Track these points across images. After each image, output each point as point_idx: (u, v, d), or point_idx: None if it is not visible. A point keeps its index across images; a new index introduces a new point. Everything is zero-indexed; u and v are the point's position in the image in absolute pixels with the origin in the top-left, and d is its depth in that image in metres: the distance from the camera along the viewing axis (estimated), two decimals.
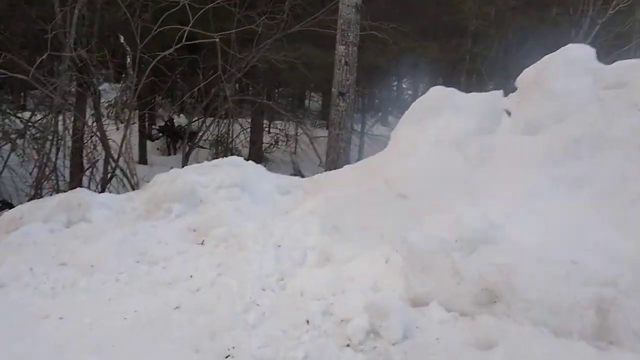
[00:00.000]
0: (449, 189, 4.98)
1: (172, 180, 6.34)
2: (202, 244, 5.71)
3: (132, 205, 6.43)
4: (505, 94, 5.60)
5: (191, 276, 5.18)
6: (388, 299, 4.29)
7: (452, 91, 5.70)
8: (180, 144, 12.97)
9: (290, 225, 5.62)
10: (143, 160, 13.26)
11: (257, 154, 13.25)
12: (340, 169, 6.23)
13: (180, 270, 5.27)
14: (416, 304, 4.32)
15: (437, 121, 5.50)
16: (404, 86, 22.02)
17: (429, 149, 5.32)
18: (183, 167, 10.68)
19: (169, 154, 14.35)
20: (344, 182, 5.75)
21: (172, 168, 13.28)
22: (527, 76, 5.31)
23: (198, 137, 11.48)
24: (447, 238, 4.45)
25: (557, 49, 5.21)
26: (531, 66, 5.34)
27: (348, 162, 9.84)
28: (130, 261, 5.45)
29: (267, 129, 14.10)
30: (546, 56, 5.20)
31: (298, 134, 12.82)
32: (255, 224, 5.80)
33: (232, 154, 12.71)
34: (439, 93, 5.69)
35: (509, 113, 5.42)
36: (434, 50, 12.12)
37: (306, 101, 20.04)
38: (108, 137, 8.40)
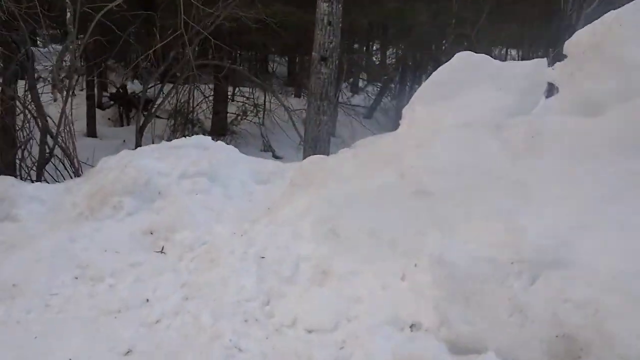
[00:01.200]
0: (488, 186, 3.81)
1: (122, 167, 5.00)
2: (161, 252, 4.44)
3: (72, 199, 5.07)
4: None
5: (147, 300, 3.93)
6: (426, 345, 3.14)
7: (484, 58, 4.49)
8: (134, 113, 11.45)
9: (276, 230, 4.39)
10: (92, 132, 11.71)
11: (221, 126, 11.85)
12: (336, 155, 4.99)
13: (133, 291, 4.00)
14: (461, 350, 3.19)
15: (466, 97, 4.29)
16: (373, 49, 20.52)
17: (458, 134, 4.12)
18: (137, 143, 9.28)
19: (122, 125, 12.79)
20: (344, 172, 4.53)
21: (124, 142, 11.85)
22: (583, 40, 4.11)
23: (154, 106, 10.02)
24: (498, 258, 3.30)
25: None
26: (588, 27, 4.15)
27: (329, 140, 8.61)
28: (66, 278, 4.16)
29: (231, 97, 12.66)
30: (611, 13, 4.02)
31: (270, 104, 11.42)
32: (231, 226, 4.55)
33: (192, 126, 11.29)
34: (467, 60, 4.46)
35: (556, 88, 4.24)
36: (423, 13, 10.87)
37: (270, 65, 18.41)
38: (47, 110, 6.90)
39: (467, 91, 4.34)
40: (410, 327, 3.47)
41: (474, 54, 4.50)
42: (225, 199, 5.01)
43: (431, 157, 4.05)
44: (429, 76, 4.90)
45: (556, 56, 6.38)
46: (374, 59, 19.31)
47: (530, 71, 4.35)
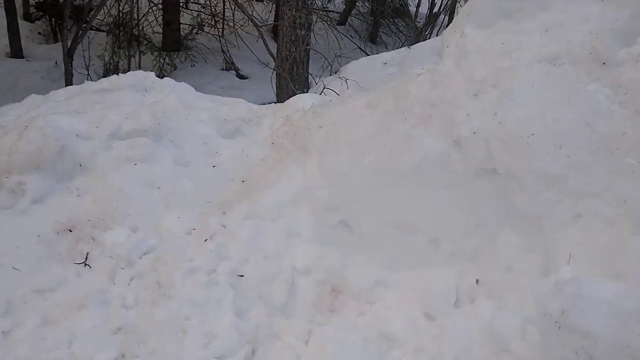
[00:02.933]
0: (598, 164, 2.35)
1: (21, 127, 3.33)
2: (85, 263, 2.91)
3: None
4: None
5: None
6: None
7: None
8: (72, 25, 9.41)
9: (259, 227, 2.89)
10: (17, 52, 9.65)
11: (173, 40, 9.91)
12: (341, 102, 3.40)
13: (37, 346, 2.51)
14: None
15: (550, 14, 2.73)
16: None
17: (543, 76, 2.59)
18: (66, 69, 7.43)
19: (55, 41, 10.68)
20: (357, 134, 3.00)
21: (56, 64, 9.82)
22: None
23: (89, 17, 8.09)
24: None
25: None
26: None
27: (308, 61, 6.93)
28: None
29: (184, 4, 10.62)
30: None
31: (232, 13, 9.47)
32: (188, 219, 3.03)
33: (139, 43, 9.36)
34: None
35: None
36: None
37: None
38: None
39: (552, 3, 2.76)
40: None
41: None
42: (179, 168, 3.44)
43: (507, 115, 2.53)
44: None
45: None
46: None
47: None
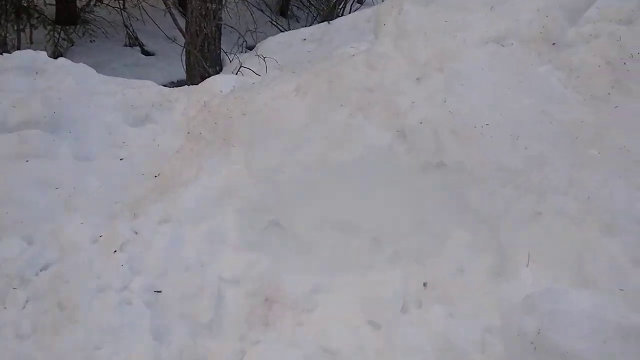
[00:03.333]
0: (557, 156, 2.16)
1: None
2: None
3: None
4: None
5: None
6: None
7: None
8: None
9: (177, 233, 2.51)
10: None
11: (69, 13, 9.06)
12: (266, 85, 3.02)
13: None
14: None
15: None
16: None
17: (492, 56, 2.36)
18: None
19: None
20: (288, 122, 2.67)
21: None
22: None
23: None
24: None
25: None
26: None
27: (220, 37, 6.46)
28: None
29: None
30: None
31: None
32: (93, 224, 2.60)
33: (29, 16, 8.45)
34: None
35: None
36: None
37: None
38: None
39: None
40: None
41: None
42: (80, 164, 2.97)
43: (457, 103, 2.28)
44: None
45: None
46: None
47: None
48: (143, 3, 8.56)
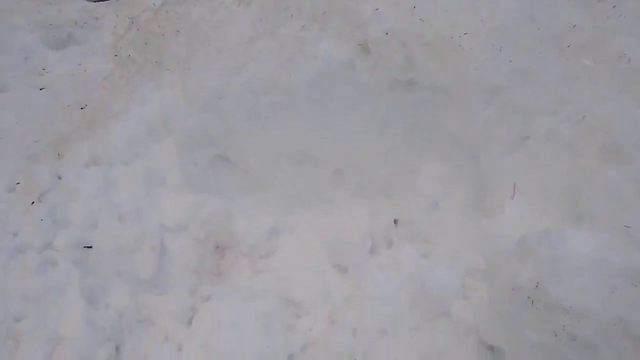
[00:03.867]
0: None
1: None
2: None
3: None
4: None
5: None
6: None
7: None
8: None
9: (107, 171, 2.15)
10: None
11: None
12: None
13: None
14: None
15: None
16: None
17: None
18: None
19: None
20: (228, 37, 2.27)
21: None
22: None
23: None
24: None
25: None
26: None
27: None
28: None
29: None
30: None
31: None
32: (10, 168, 2.21)
33: None
34: None
35: None
36: None
37: None
38: None
39: None
40: None
41: None
42: None
43: (430, 9, 1.90)
44: None
45: None
46: None
47: None
48: None
